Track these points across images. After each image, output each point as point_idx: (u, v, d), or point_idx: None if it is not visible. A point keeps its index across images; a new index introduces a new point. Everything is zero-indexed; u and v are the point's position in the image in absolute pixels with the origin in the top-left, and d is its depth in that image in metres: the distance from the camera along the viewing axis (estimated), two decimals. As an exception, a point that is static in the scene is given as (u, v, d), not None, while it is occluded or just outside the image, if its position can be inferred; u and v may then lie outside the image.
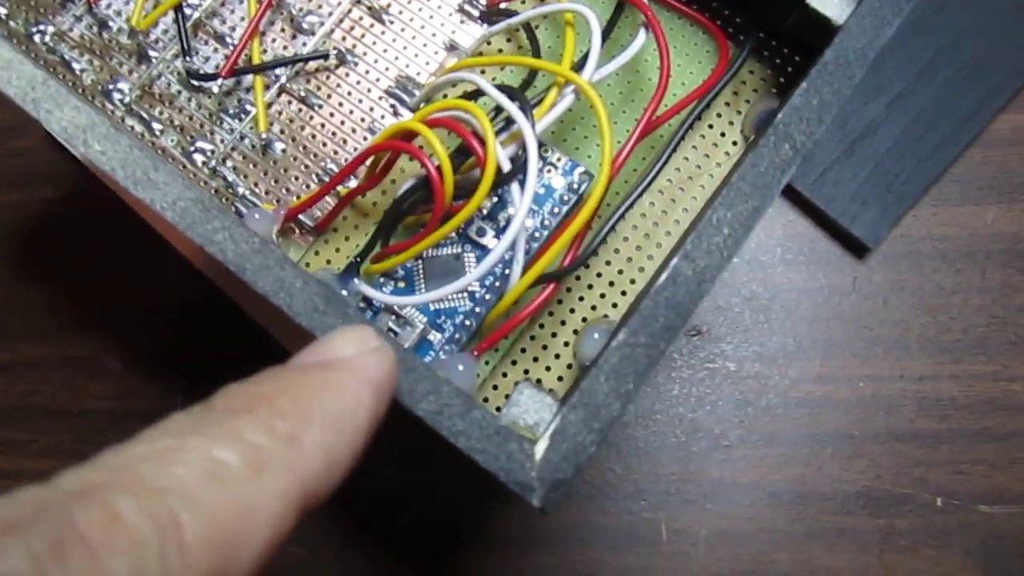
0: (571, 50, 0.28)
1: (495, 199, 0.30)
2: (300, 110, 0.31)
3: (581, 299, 0.29)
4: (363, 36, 0.32)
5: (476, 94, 0.28)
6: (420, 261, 0.29)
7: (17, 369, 0.41)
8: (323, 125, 0.31)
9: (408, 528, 0.37)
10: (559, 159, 0.30)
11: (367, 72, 0.31)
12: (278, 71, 0.31)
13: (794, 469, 0.37)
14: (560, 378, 0.29)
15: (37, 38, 0.32)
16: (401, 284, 0.29)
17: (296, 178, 0.31)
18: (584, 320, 0.29)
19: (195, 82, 0.31)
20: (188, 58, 0.31)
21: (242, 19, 0.32)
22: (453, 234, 0.29)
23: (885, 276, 0.39)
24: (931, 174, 0.39)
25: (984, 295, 0.38)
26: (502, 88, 0.26)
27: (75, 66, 0.32)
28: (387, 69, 0.31)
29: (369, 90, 0.31)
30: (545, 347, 0.29)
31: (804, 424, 0.37)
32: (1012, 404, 0.37)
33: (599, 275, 0.30)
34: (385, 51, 0.32)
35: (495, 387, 0.29)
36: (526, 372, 0.29)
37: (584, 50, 0.28)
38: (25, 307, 0.41)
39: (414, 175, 0.28)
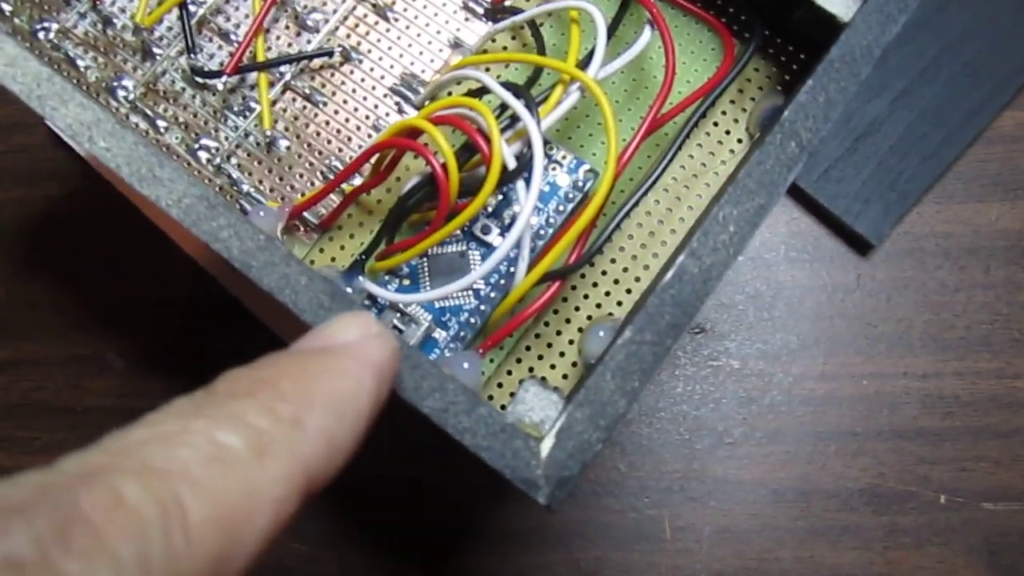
0: (576, 47, 0.28)
1: (500, 196, 0.30)
2: (305, 107, 0.31)
3: (586, 296, 0.29)
4: (368, 33, 0.32)
5: (481, 91, 0.28)
6: (425, 258, 0.29)
7: (20, 366, 0.41)
8: (328, 122, 0.31)
9: (410, 525, 0.37)
10: (564, 156, 0.30)
11: (372, 69, 0.31)
12: (283, 68, 0.31)
13: (798, 466, 0.37)
14: (565, 376, 0.29)
15: (41, 35, 0.32)
16: (406, 281, 0.29)
17: (300, 175, 0.31)
18: (589, 318, 0.29)
19: (199, 79, 0.31)
20: (192, 55, 0.31)
21: (246, 16, 0.32)
22: (458, 231, 0.29)
23: (889, 273, 0.39)
24: (935, 171, 0.39)
25: (988, 292, 0.38)
26: (507, 85, 0.26)
27: (79, 63, 0.32)
28: (392, 66, 0.31)
29: (374, 87, 0.31)
30: (550, 344, 0.29)
31: (808, 421, 0.37)
32: (1016, 401, 0.37)
33: (604, 273, 0.30)
34: (390, 48, 0.32)
35: (500, 384, 0.29)
36: (531, 369, 0.29)
37: (589, 47, 0.27)
38: (28, 304, 0.41)
39: (419, 172, 0.28)
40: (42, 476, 0.14)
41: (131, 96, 0.32)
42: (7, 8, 0.32)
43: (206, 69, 0.31)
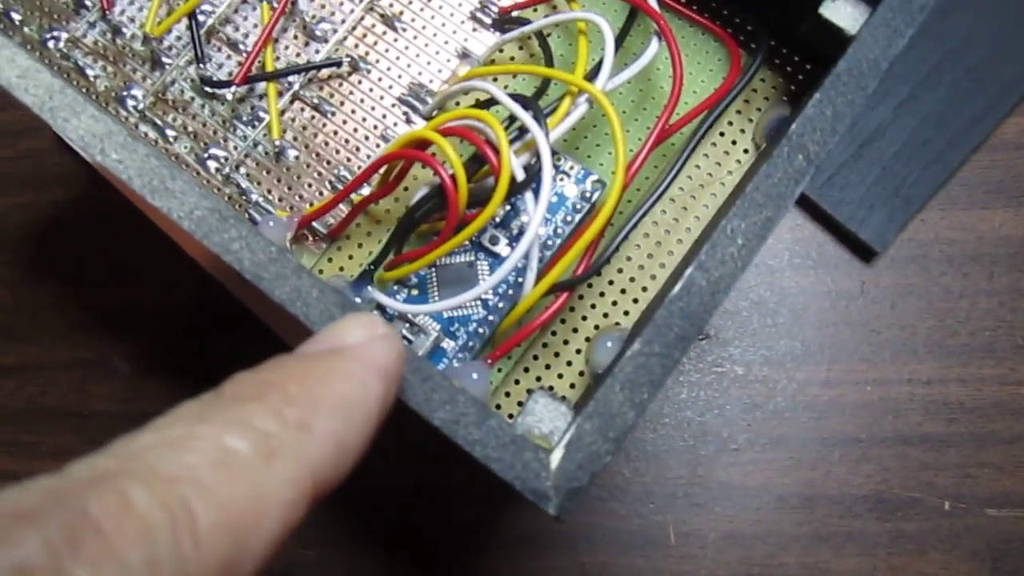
0: (584, 58, 0.28)
1: (507, 207, 0.30)
2: (313, 117, 0.31)
3: (593, 306, 0.30)
4: (376, 43, 0.32)
5: (489, 103, 0.28)
6: (433, 269, 0.29)
7: (26, 371, 0.41)
8: (336, 132, 0.31)
9: (416, 530, 0.37)
10: (571, 167, 0.30)
11: (380, 79, 0.32)
12: (291, 78, 0.31)
13: (802, 472, 0.37)
14: (572, 385, 0.29)
15: (51, 44, 0.32)
16: (414, 292, 0.29)
17: (309, 185, 0.31)
18: (596, 327, 0.29)
19: (209, 89, 0.31)
20: (202, 65, 0.31)
21: (255, 26, 0.32)
22: (466, 242, 0.29)
23: (892, 280, 0.39)
24: (938, 178, 0.39)
25: (991, 299, 0.38)
26: (516, 97, 0.26)
27: (89, 72, 0.32)
28: (400, 76, 0.32)
29: (382, 97, 0.31)
30: (557, 354, 0.29)
31: (812, 427, 0.37)
32: (1020, 408, 0.37)
33: (611, 282, 0.30)
34: (398, 58, 0.32)
35: (507, 394, 0.29)
36: (539, 379, 0.29)
37: (596, 58, 0.28)
38: (34, 308, 0.41)
39: (427, 183, 0.28)
40: (51, 482, 0.14)
41: (140, 105, 0.32)
42: (17, 17, 0.32)
43: (215, 79, 0.31)
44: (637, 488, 0.37)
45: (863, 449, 0.37)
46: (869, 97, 0.35)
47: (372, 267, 0.29)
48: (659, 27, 0.28)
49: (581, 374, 0.29)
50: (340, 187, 0.30)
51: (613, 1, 0.32)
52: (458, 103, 0.31)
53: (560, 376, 0.29)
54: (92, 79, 0.32)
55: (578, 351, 0.29)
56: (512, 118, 0.26)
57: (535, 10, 0.32)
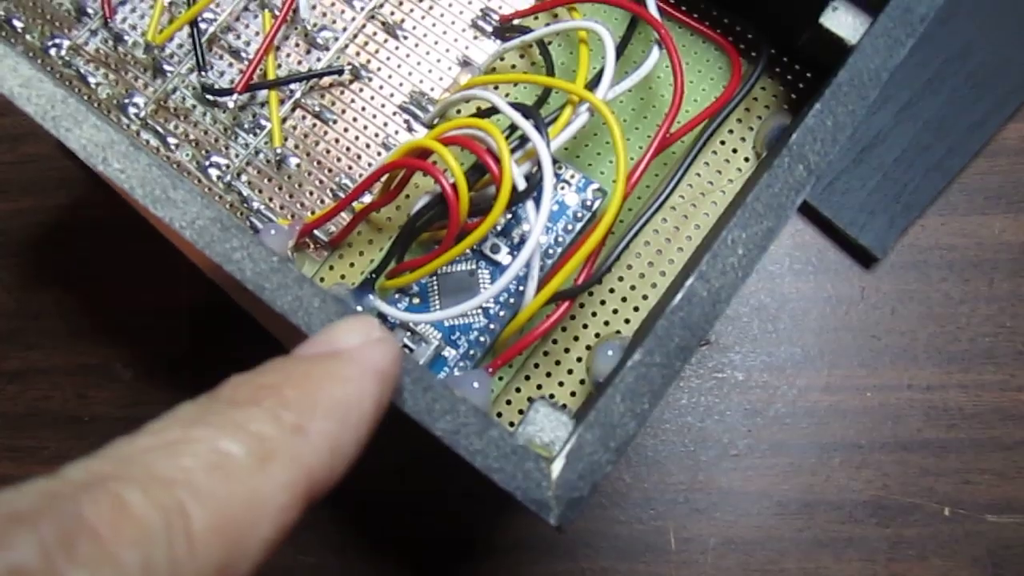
0: (585, 67, 0.28)
1: (509, 215, 0.30)
2: (315, 125, 0.31)
3: (594, 315, 0.30)
4: (377, 51, 0.32)
5: (491, 111, 0.28)
6: (435, 277, 0.29)
7: (28, 376, 0.41)
8: (337, 140, 0.31)
9: (416, 536, 0.37)
10: (572, 176, 0.30)
11: (381, 87, 0.32)
12: (293, 86, 0.31)
13: (802, 478, 0.37)
14: (573, 393, 0.29)
15: (53, 52, 0.32)
16: (416, 300, 0.29)
17: (310, 193, 0.31)
18: (597, 336, 0.29)
19: (210, 97, 0.31)
20: (203, 73, 0.31)
21: (257, 34, 0.32)
22: (468, 250, 0.29)
23: (893, 286, 0.39)
24: (939, 184, 0.39)
25: (992, 304, 0.38)
26: (517, 106, 0.26)
27: (91, 80, 0.32)
28: (401, 84, 0.32)
29: (383, 105, 0.31)
30: (558, 362, 0.29)
31: (812, 433, 0.37)
32: (1020, 413, 0.37)
33: (612, 291, 0.30)
34: (399, 66, 0.32)
35: (508, 402, 0.29)
36: (539, 387, 0.29)
37: (597, 67, 0.28)
38: (36, 314, 0.41)
39: (428, 191, 0.28)
40: (46, 484, 0.14)
41: (142, 113, 0.32)
42: (19, 25, 0.32)
43: (217, 87, 0.31)
44: (637, 494, 0.37)
45: (863, 455, 0.37)
46: (869, 105, 0.36)
47: (374, 275, 0.30)
48: (660, 36, 0.28)
49: (582, 382, 0.29)
50: (342, 195, 0.30)
51: (614, 10, 0.32)
52: (459, 111, 0.32)
53: (561, 384, 0.29)
54: (94, 87, 0.32)
55: (579, 359, 0.29)
56: (513, 127, 0.26)
57: (536, 18, 0.32)
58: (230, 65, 0.32)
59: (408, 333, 0.29)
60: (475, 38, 0.32)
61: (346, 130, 0.31)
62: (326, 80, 0.32)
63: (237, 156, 0.31)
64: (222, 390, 0.18)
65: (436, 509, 0.38)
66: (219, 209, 0.24)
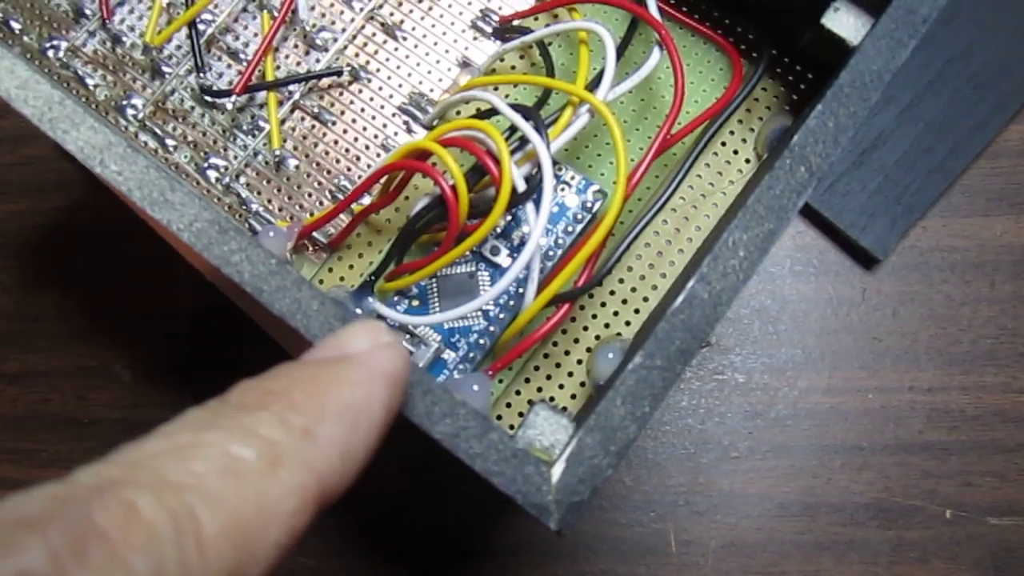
0: (585, 68, 0.28)
1: (508, 217, 0.30)
2: (313, 126, 0.31)
3: (594, 317, 0.29)
4: (376, 52, 0.32)
5: (490, 112, 0.28)
6: (434, 279, 0.29)
7: (27, 378, 0.41)
8: (336, 141, 0.31)
9: (417, 538, 0.37)
10: (572, 177, 0.30)
11: (380, 89, 0.32)
12: (291, 87, 0.31)
13: (803, 480, 0.37)
14: (573, 396, 0.29)
15: (51, 53, 0.32)
16: (415, 302, 0.29)
17: (309, 194, 0.31)
18: (597, 338, 0.29)
19: (209, 98, 0.31)
20: (202, 74, 0.31)
21: (255, 35, 0.32)
22: (467, 252, 0.29)
23: (894, 287, 0.39)
24: (940, 185, 0.39)
25: (993, 306, 0.38)
26: (517, 108, 0.26)
27: (88, 81, 0.32)
28: (400, 86, 0.31)
29: (382, 107, 0.31)
30: (558, 365, 0.29)
31: (813, 435, 0.37)
32: (1021, 416, 0.37)
33: (612, 293, 0.30)
34: (398, 68, 0.32)
35: (508, 404, 0.29)
36: (539, 390, 0.29)
37: (598, 68, 0.28)
38: (35, 316, 0.41)
39: (428, 193, 0.28)
40: (56, 489, 0.14)
41: (140, 115, 0.32)
42: (17, 26, 0.32)
43: (215, 88, 0.31)
44: (638, 496, 0.37)
45: (864, 457, 0.37)
46: (871, 106, 0.35)
47: (373, 277, 0.29)
48: (660, 36, 0.28)
49: (582, 385, 0.29)
50: (340, 197, 0.30)
51: (614, 10, 0.32)
52: (459, 113, 0.31)
53: (561, 387, 0.29)
54: (92, 88, 0.32)
55: (579, 362, 0.29)
56: (513, 128, 0.26)
57: (536, 19, 0.32)
58: (228, 66, 0.32)
59: (407, 336, 0.28)
60: (475, 39, 0.32)
61: (345, 131, 0.31)
62: (325, 81, 0.32)
63: (236, 158, 0.31)
64: (231, 395, 0.18)
65: (436, 511, 0.37)
66: (217, 211, 0.24)
